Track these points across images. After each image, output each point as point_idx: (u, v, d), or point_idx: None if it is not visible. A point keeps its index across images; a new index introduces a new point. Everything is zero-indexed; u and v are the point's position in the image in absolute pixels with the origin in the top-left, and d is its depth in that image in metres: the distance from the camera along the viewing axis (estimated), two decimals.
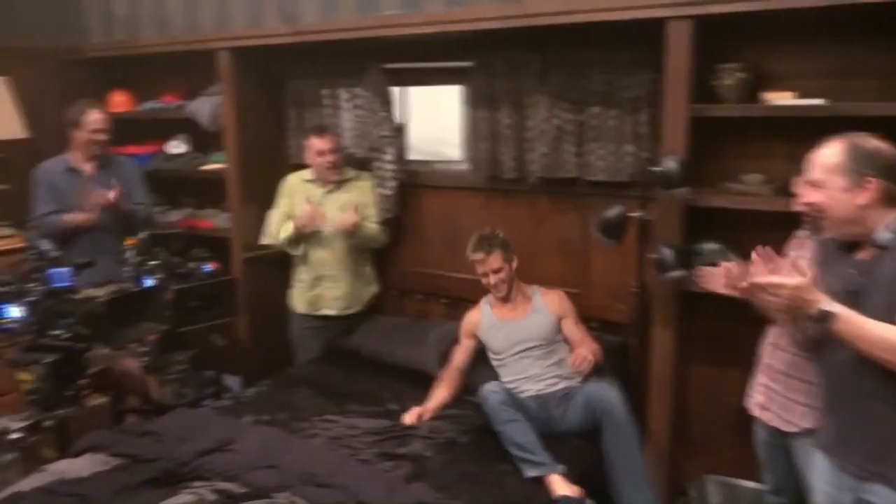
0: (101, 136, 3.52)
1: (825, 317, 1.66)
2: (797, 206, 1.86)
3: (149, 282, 3.07)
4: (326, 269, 3.53)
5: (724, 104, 2.62)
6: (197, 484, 2.31)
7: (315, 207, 3.43)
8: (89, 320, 2.70)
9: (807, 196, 1.80)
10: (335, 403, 3.07)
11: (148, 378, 3.31)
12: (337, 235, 3.46)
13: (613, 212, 2.64)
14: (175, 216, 4.16)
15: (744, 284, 1.81)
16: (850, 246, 1.81)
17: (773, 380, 2.21)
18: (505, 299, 2.95)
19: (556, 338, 2.89)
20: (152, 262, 3.13)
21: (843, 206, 1.74)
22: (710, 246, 2.68)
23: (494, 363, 2.94)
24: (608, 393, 2.63)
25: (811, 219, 1.82)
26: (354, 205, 3.46)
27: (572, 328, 2.90)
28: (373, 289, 3.69)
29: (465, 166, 3.49)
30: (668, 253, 2.56)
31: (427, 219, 3.66)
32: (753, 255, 1.79)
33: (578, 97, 3.02)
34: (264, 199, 3.68)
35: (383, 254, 3.73)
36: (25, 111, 3.78)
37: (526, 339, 2.87)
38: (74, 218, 3.45)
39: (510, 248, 2.96)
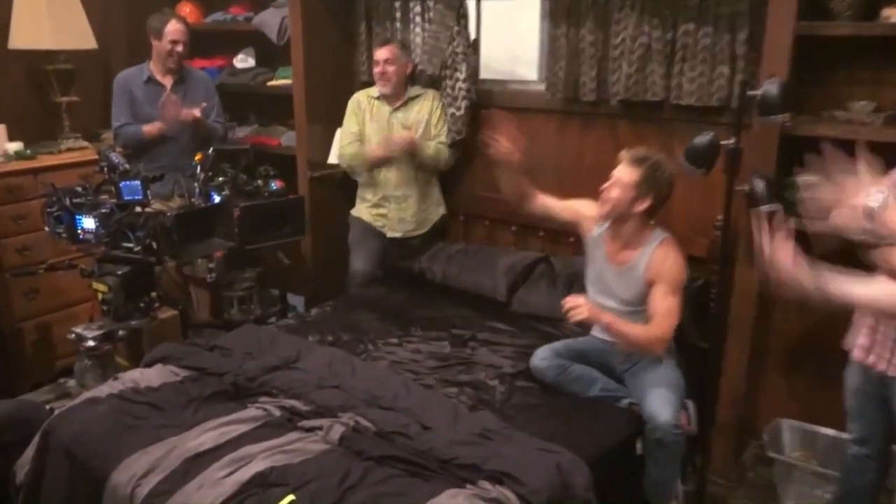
0: (180, 48, 3.55)
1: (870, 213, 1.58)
2: None
3: (216, 198, 3.10)
4: (392, 189, 3.51)
5: (837, 22, 2.41)
6: (263, 399, 2.38)
7: (386, 136, 3.39)
8: (158, 234, 2.75)
9: None
10: (398, 327, 3.09)
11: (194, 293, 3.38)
12: (404, 155, 3.41)
13: (704, 139, 2.51)
14: (241, 133, 4.17)
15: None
16: None
17: (880, 321, 2.09)
18: (616, 235, 2.55)
19: (643, 306, 2.51)
20: (219, 179, 3.17)
21: None
22: (808, 179, 2.51)
23: (587, 282, 2.72)
24: (663, 412, 2.36)
25: None
26: (419, 123, 3.40)
27: (657, 298, 2.42)
28: (440, 211, 3.67)
29: (541, 87, 3.39)
30: (760, 185, 2.45)
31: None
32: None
33: (670, 13, 2.86)
34: (332, 116, 3.65)
35: (451, 176, 3.68)
36: (94, 22, 3.79)
37: (608, 293, 2.58)
38: (153, 129, 3.51)
39: (660, 181, 2.46)
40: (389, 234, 3.57)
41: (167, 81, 3.60)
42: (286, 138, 3.99)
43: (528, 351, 2.72)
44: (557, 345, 2.67)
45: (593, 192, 2.88)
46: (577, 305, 2.34)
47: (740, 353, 2.74)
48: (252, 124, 4.25)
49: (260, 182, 3.30)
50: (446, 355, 2.83)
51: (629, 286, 2.51)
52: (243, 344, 2.73)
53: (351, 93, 3.61)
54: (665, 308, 2.39)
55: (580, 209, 2.69)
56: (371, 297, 3.46)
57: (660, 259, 2.47)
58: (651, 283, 2.45)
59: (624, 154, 2.47)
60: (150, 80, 3.58)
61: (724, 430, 2.82)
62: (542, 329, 2.83)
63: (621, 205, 2.45)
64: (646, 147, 2.54)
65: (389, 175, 3.49)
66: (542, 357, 2.62)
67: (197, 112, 3.47)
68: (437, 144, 3.48)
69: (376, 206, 3.56)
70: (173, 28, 3.51)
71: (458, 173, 3.67)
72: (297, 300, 4.01)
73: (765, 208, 2.43)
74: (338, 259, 3.78)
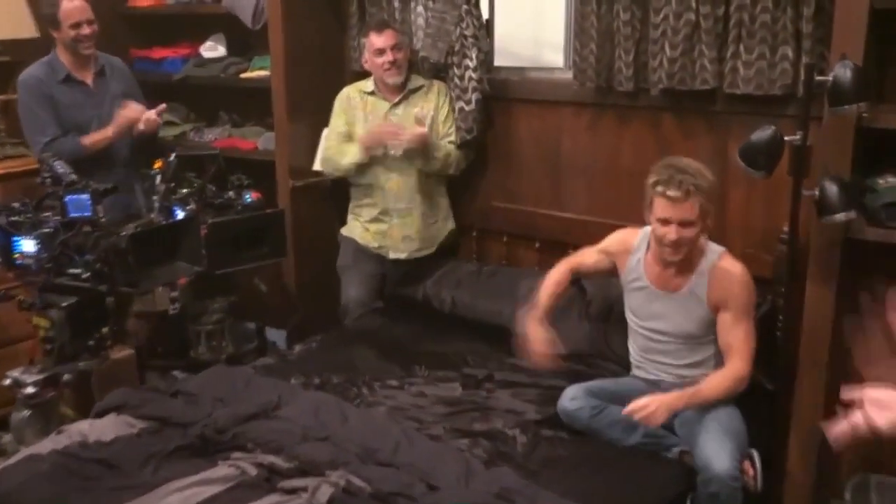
0: (86, 30, 3.44)
1: None
2: None
3: (179, 214, 3.14)
4: (394, 200, 3.54)
5: None
6: (237, 455, 2.39)
7: (388, 124, 3.44)
8: (111, 258, 2.79)
9: None
10: (399, 366, 3.11)
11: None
12: (407, 160, 3.46)
13: (764, 134, 2.53)
14: (210, 135, 4.22)
15: None
16: None
17: None
18: (668, 263, 2.61)
19: (706, 336, 2.59)
20: (183, 191, 3.21)
21: None
22: (891, 181, 2.53)
23: (627, 313, 2.81)
24: (718, 459, 2.36)
25: None
26: (424, 119, 3.44)
27: (729, 327, 2.50)
28: (449, 226, 3.70)
29: (568, 75, 3.41)
30: (832, 188, 2.44)
31: (518, 141, 3.61)
32: None
33: None
34: (317, 114, 3.69)
35: (461, 185, 3.71)
36: (34, 6, 3.86)
37: (662, 327, 2.63)
38: (98, 139, 3.49)
39: (713, 195, 2.55)
40: (392, 256, 3.61)
41: (87, 76, 3.56)
42: (263, 141, 4.04)
43: (555, 393, 2.73)
44: (591, 384, 2.69)
45: (632, 200, 2.91)
46: (646, 409, 2.38)
47: (814, 393, 2.74)
48: (223, 124, 4.30)
49: (232, 193, 3.34)
50: (457, 399, 2.85)
51: (688, 317, 2.55)
52: (213, 388, 2.76)
53: (340, 86, 3.65)
54: (742, 337, 2.48)
55: (610, 249, 2.79)
56: (367, 330, 3.47)
57: (724, 280, 2.52)
58: (717, 310, 2.50)
59: (662, 185, 2.47)
60: (69, 78, 3.52)
61: (796, 487, 2.81)
62: (573, 367, 2.84)
63: (694, 242, 2.53)
64: (669, 158, 2.59)
65: (390, 184, 3.53)
66: (571, 397, 2.64)
67: (153, 114, 3.49)
68: (447, 145, 3.52)
69: (375, 221, 3.60)
70: (69, 7, 3.39)
71: (469, 180, 3.70)
72: (277, 335, 4.03)
73: (839, 217, 2.45)
74: (326, 285, 3.81)
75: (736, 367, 2.46)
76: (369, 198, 3.59)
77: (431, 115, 3.50)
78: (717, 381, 2.48)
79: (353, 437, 2.43)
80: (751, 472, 2.50)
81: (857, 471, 2.85)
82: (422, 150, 3.41)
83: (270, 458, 2.35)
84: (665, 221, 2.50)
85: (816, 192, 2.49)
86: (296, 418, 2.54)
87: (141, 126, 3.49)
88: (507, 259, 3.68)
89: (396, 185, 3.52)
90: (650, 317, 2.66)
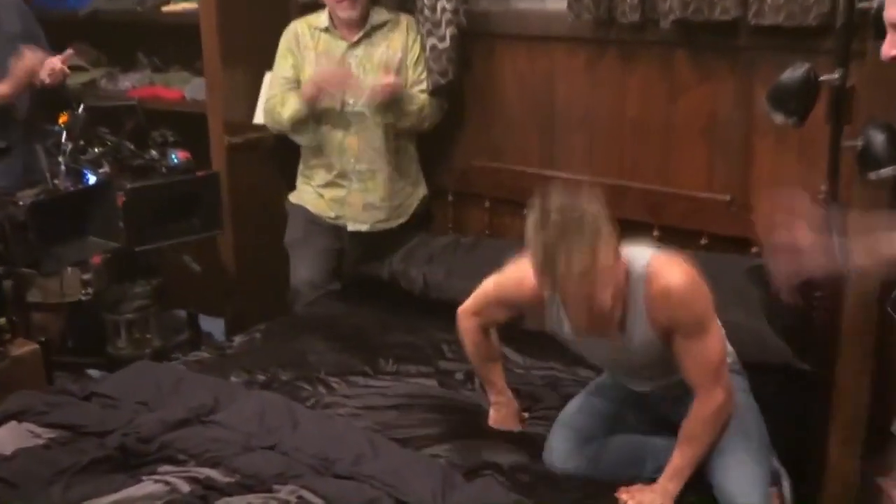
0: None
1: None
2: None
3: (91, 178, 3.10)
4: (353, 162, 3.53)
5: None
6: (165, 468, 2.37)
7: (338, 68, 3.40)
8: (7, 232, 2.75)
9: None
10: (362, 360, 3.10)
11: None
12: (368, 112, 3.43)
13: (796, 73, 2.53)
14: (126, 82, 4.20)
15: None
16: None
17: None
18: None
19: (666, 356, 2.41)
20: (94, 150, 3.17)
21: None
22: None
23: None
24: (745, 495, 2.34)
25: None
26: (391, 63, 3.42)
27: (684, 354, 2.33)
28: (420, 192, 3.70)
29: (561, 4, 3.36)
30: (878, 138, 2.45)
31: (501, 87, 3.61)
32: None
33: None
34: (259, 56, 3.68)
35: (434, 141, 3.70)
36: None
37: (618, 368, 2.58)
38: None
39: (610, 239, 2.23)
40: (351, 227, 3.60)
41: None
42: (191, 89, 4.03)
43: (552, 382, 2.73)
44: (576, 420, 2.59)
45: (637, 156, 2.91)
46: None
47: (858, 376, 2.76)
48: (141, 69, 4.28)
49: (154, 153, 3.32)
50: (432, 399, 2.84)
51: (642, 354, 2.41)
52: (135, 390, 2.73)
53: (287, 20, 3.62)
54: (704, 359, 2.32)
55: (513, 302, 2.57)
56: (321, 317, 3.47)
57: (662, 307, 2.31)
58: (668, 336, 2.35)
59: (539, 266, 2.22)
60: None
61: (840, 477, 2.83)
62: (569, 354, 2.83)
63: (618, 302, 2.30)
64: (555, 201, 2.21)
65: (348, 141, 3.50)
66: (561, 453, 2.52)
67: (57, 62, 3.39)
68: (420, 95, 3.50)
69: (330, 186, 3.58)
70: None
71: (443, 135, 3.69)
72: (213, 324, 4.02)
73: (885, 172, 2.45)
74: (272, 264, 3.80)
75: (711, 400, 2.32)
76: (323, 158, 3.57)
77: (399, 56, 3.48)
78: (701, 430, 2.35)
79: (307, 445, 2.41)
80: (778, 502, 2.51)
81: None
82: (391, 103, 3.39)
83: (206, 472, 2.33)
84: (570, 299, 2.25)
85: (859, 143, 2.49)
86: (237, 424, 2.52)
87: (45, 78, 3.42)
88: (489, 229, 3.69)
89: (356, 142, 3.51)
90: (600, 362, 2.63)
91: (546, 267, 2.18)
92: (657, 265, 2.31)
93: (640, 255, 2.34)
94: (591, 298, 2.18)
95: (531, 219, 2.20)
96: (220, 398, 2.66)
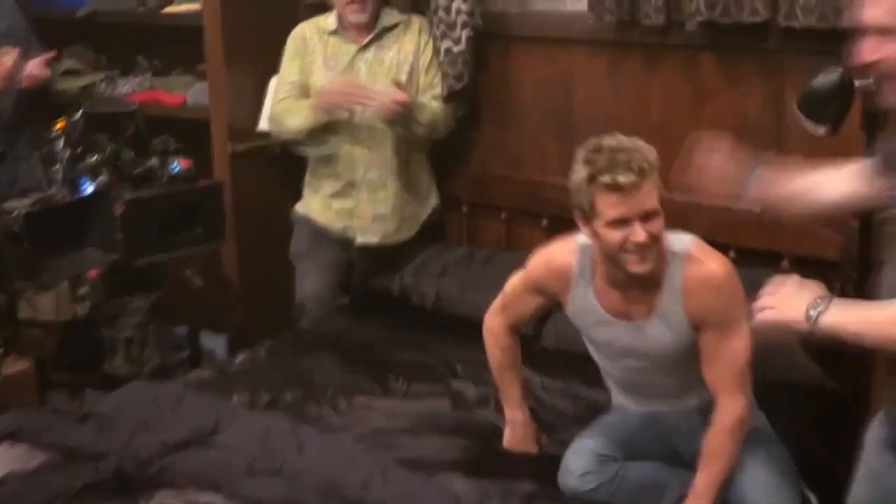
0: None
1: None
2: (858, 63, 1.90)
3: (88, 188, 3.11)
4: (363, 171, 3.53)
5: None
6: (164, 493, 2.37)
7: (350, 79, 3.42)
8: (1, 244, 2.76)
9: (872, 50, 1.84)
10: (371, 379, 3.10)
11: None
12: (381, 123, 3.44)
13: (829, 79, 2.51)
14: (126, 86, 4.21)
15: None
16: None
17: None
18: (615, 278, 2.44)
19: (690, 355, 2.46)
20: (92, 158, 3.18)
21: None
22: None
23: (588, 347, 2.74)
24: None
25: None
26: (401, 70, 3.43)
27: (712, 349, 2.38)
28: (431, 203, 3.70)
29: (582, 5, 3.38)
30: None
31: (519, 91, 3.61)
32: None
33: None
34: (264, 59, 3.69)
35: (448, 148, 3.70)
36: None
37: (639, 365, 2.54)
38: None
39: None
40: (360, 240, 3.60)
41: None
42: (194, 93, 4.04)
43: (571, 403, 2.72)
44: (595, 442, 2.58)
45: (664, 162, 2.87)
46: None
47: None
48: (142, 73, 4.29)
49: (155, 161, 3.32)
50: (444, 421, 2.84)
51: (670, 345, 2.43)
52: (133, 410, 2.72)
53: (292, 22, 3.63)
54: (730, 361, 2.35)
55: (540, 284, 2.63)
56: (328, 333, 3.47)
57: (702, 291, 2.36)
58: (699, 326, 2.38)
59: (604, 173, 2.28)
60: None
61: None
62: (588, 371, 2.82)
63: (661, 240, 2.36)
64: (590, 141, 2.39)
65: (357, 151, 3.51)
66: (580, 470, 2.51)
67: (38, 63, 3.43)
68: (430, 101, 3.51)
69: (338, 196, 3.59)
70: None
71: (457, 142, 3.69)
72: (214, 341, 4.03)
73: None
74: (276, 278, 3.80)
75: (733, 407, 2.34)
76: (331, 167, 3.58)
77: (410, 61, 3.50)
78: (723, 444, 2.36)
79: (312, 469, 2.41)
80: None
81: None
82: (401, 116, 3.39)
83: (207, 497, 2.33)
84: (621, 222, 2.29)
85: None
86: (239, 447, 2.51)
87: (21, 80, 3.43)
88: (506, 241, 3.68)
89: (365, 151, 3.51)
90: (621, 355, 2.56)
91: (602, 148, 2.33)
92: (698, 250, 2.44)
93: (681, 237, 2.46)
94: (651, 202, 2.30)
95: (579, 155, 2.36)
96: (221, 419, 2.65)
